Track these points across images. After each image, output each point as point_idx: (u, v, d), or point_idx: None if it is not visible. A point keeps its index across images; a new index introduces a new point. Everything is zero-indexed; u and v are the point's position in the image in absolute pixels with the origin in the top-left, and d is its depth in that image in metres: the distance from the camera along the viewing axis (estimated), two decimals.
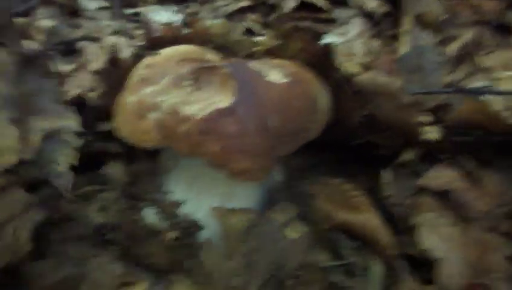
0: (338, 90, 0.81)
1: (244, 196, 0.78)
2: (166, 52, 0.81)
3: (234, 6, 1.50)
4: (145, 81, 0.74)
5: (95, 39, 1.34)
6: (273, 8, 1.52)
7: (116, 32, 1.39)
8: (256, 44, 0.89)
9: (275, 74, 0.72)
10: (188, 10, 1.54)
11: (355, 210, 0.80)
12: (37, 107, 0.75)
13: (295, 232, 0.70)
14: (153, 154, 0.86)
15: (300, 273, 0.69)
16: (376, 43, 1.37)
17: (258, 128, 0.65)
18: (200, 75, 0.72)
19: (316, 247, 0.75)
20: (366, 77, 0.81)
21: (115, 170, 0.87)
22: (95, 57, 1.20)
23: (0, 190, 0.65)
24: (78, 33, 1.41)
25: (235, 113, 0.65)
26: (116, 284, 0.68)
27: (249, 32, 1.35)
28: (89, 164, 0.89)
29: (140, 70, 0.78)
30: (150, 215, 0.74)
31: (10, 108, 0.70)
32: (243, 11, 1.50)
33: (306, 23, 1.25)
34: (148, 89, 0.73)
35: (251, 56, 0.84)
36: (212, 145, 0.65)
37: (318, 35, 0.77)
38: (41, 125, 0.73)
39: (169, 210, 0.73)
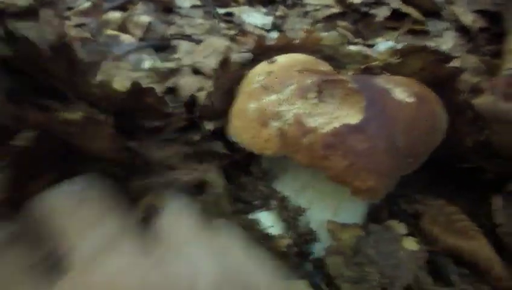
0: (456, 112, 0.79)
1: (351, 211, 0.78)
2: (284, 60, 0.82)
3: (325, 12, 1.50)
4: (267, 89, 0.75)
5: (189, 37, 1.39)
6: (364, 15, 1.50)
7: (209, 31, 1.42)
8: (367, 58, 0.88)
9: (401, 92, 0.71)
10: (277, 13, 1.55)
11: (465, 236, 0.78)
12: None
13: (414, 244, 0.69)
14: (255, 159, 0.88)
15: None
16: (473, 60, 1.33)
17: (387, 147, 0.65)
18: (324, 87, 0.72)
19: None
20: (485, 102, 0.78)
21: (212, 172, 0.89)
22: (192, 56, 1.24)
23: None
24: (172, 30, 1.45)
25: (365, 130, 0.65)
26: None
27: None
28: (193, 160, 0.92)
29: (260, 77, 0.79)
30: (265, 219, 0.75)
31: None
32: (333, 17, 1.49)
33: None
34: (271, 97, 0.74)
35: (367, 70, 0.83)
36: (339, 161, 0.65)
37: (443, 57, 0.75)
38: None
39: (291, 215, 0.73)
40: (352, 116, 0.67)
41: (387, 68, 0.82)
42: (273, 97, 0.74)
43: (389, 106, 0.68)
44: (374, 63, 0.82)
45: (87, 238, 0.49)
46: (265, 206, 0.77)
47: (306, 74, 0.75)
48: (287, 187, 0.79)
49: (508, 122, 0.77)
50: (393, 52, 0.81)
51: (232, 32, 1.41)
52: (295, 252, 0.71)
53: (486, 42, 1.40)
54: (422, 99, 0.72)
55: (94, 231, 0.50)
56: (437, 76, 0.77)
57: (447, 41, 1.41)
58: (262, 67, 0.82)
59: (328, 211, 0.76)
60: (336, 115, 0.69)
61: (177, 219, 0.54)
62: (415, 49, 0.77)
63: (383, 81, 0.74)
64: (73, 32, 1.29)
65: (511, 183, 0.85)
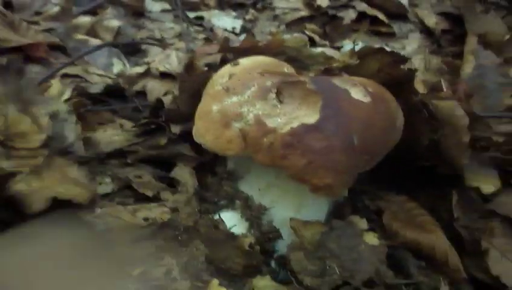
0: (412, 112, 0.82)
1: (314, 208, 0.80)
2: (247, 62, 0.84)
3: (293, 15, 1.53)
4: (229, 90, 0.77)
5: (159, 41, 1.39)
6: (331, 18, 1.53)
7: (179, 35, 1.43)
8: (329, 59, 0.91)
9: (357, 92, 0.74)
10: (247, 16, 1.58)
11: (423, 230, 0.81)
12: (29, 100, 0.88)
13: (374, 239, 0.71)
14: (220, 159, 0.89)
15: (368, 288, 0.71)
16: (436, 60, 1.37)
17: (343, 145, 0.67)
18: (284, 88, 0.74)
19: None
20: (446, 106, 0.82)
21: (185, 172, 0.91)
22: (162, 60, 1.24)
23: (48, 158, 0.77)
24: (142, 34, 1.46)
25: (322, 129, 0.67)
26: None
27: (311, 41, 1.37)
28: (160, 164, 0.93)
29: (223, 79, 0.80)
30: (229, 219, 0.77)
31: (13, 103, 0.84)
32: (301, 20, 1.52)
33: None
34: (233, 99, 0.75)
35: (328, 72, 0.85)
36: (297, 159, 0.67)
37: (400, 59, 0.78)
38: (42, 111, 0.86)
39: (254, 214, 0.75)
40: (309, 116, 0.69)
41: (347, 69, 0.85)
42: (235, 99, 0.75)
43: (346, 106, 0.71)
44: (334, 65, 0.84)
45: None
46: (229, 206, 0.79)
47: (267, 76, 0.77)
48: (251, 187, 0.80)
49: (458, 126, 0.80)
50: (352, 53, 0.83)
51: (202, 35, 1.43)
52: (259, 250, 0.73)
53: (449, 43, 1.45)
54: (378, 99, 0.75)
55: None
56: (394, 77, 0.80)
57: (411, 43, 1.46)
58: (225, 69, 0.84)
59: (291, 209, 0.77)
60: (294, 115, 0.71)
61: None
62: (373, 51, 0.80)
63: (341, 81, 0.76)
64: (41, 37, 1.28)
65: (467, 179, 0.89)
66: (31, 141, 0.79)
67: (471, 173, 0.86)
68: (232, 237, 0.74)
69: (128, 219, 0.83)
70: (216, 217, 0.77)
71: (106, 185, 0.90)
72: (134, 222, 0.81)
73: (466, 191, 0.88)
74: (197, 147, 0.87)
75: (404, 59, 0.78)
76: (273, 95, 0.73)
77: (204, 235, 0.75)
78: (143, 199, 0.88)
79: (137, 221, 0.82)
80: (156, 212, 0.84)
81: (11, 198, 0.64)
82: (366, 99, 0.73)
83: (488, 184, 0.84)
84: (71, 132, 0.88)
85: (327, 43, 1.39)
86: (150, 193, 0.88)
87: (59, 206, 0.68)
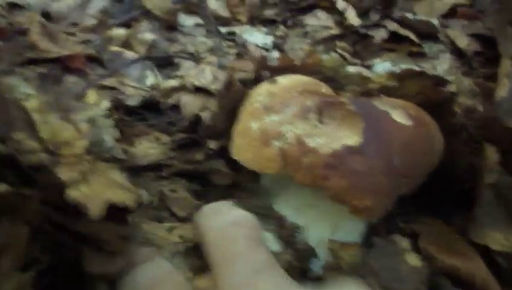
0: (451, 134, 0.82)
1: (349, 230, 0.79)
2: (285, 81, 0.85)
3: (324, 33, 1.54)
4: (269, 109, 0.78)
5: (192, 55, 1.42)
6: (362, 37, 1.54)
7: (211, 50, 1.45)
8: (366, 80, 0.91)
9: (398, 114, 0.74)
10: (277, 33, 1.59)
11: (461, 256, 0.80)
12: (67, 107, 0.87)
13: (416, 260, 0.71)
14: (255, 177, 0.90)
15: None
16: (467, 82, 1.36)
17: (385, 168, 0.67)
18: (324, 108, 0.75)
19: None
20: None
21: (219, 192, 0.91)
22: (197, 75, 1.26)
23: (92, 163, 0.76)
24: (175, 48, 1.48)
25: (364, 151, 0.67)
26: None
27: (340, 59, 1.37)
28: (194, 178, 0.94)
29: (262, 97, 0.81)
30: (265, 237, 0.77)
31: (54, 110, 0.83)
32: (332, 38, 1.53)
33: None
34: (273, 117, 0.76)
35: (365, 93, 0.86)
36: (338, 181, 0.67)
37: (440, 82, 0.78)
38: (79, 117, 0.86)
39: (287, 233, 0.75)
40: (351, 137, 0.70)
41: (385, 91, 0.85)
42: (275, 117, 0.76)
43: (387, 128, 0.71)
44: (372, 86, 0.85)
45: None
46: (262, 223, 0.79)
47: (306, 95, 0.78)
48: (286, 205, 0.80)
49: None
50: (391, 75, 0.84)
51: (234, 50, 1.44)
52: (295, 269, 0.73)
53: (481, 65, 1.44)
54: (418, 122, 0.74)
55: None
56: (433, 100, 0.80)
57: (442, 63, 1.45)
58: (264, 87, 0.85)
59: (327, 230, 0.77)
60: (335, 136, 0.71)
61: None
62: (413, 73, 0.80)
63: (381, 103, 0.76)
64: (79, 49, 1.32)
65: None
66: (76, 148, 0.81)
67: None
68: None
69: (163, 236, 0.84)
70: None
71: (141, 198, 0.91)
72: (170, 239, 0.82)
73: None
74: (233, 164, 0.87)
75: (445, 82, 0.77)
76: (314, 115, 0.74)
77: None
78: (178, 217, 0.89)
79: (172, 238, 0.83)
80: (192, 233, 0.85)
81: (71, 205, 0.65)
82: (407, 122, 0.73)
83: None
84: (109, 136, 0.90)
85: (358, 61, 1.39)
86: (183, 213, 0.89)
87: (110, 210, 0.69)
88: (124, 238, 0.72)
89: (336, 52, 1.39)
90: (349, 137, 0.70)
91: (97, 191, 0.67)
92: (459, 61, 1.48)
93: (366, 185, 0.67)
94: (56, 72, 1.20)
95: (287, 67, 0.95)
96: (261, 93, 0.84)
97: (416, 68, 0.80)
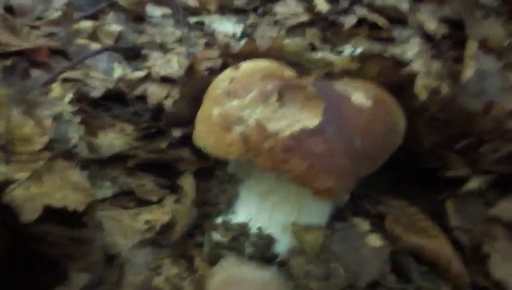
0: (414, 115, 0.82)
1: (315, 213, 0.79)
2: (248, 66, 0.84)
3: (294, 21, 1.53)
4: (230, 94, 0.77)
5: (159, 46, 1.39)
6: (332, 23, 1.54)
7: (180, 40, 1.43)
8: (330, 64, 0.91)
9: (359, 96, 0.74)
10: (248, 22, 1.58)
11: (426, 235, 0.81)
12: (33, 102, 0.88)
13: (377, 241, 0.71)
14: (221, 164, 0.89)
15: None
16: (436, 65, 1.37)
17: (345, 149, 0.67)
18: (285, 92, 0.74)
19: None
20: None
21: (188, 181, 0.91)
22: (163, 65, 1.25)
23: (49, 161, 0.76)
24: (143, 39, 1.46)
25: (323, 133, 0.67)
26: None
27: (311, 47, 1.37)
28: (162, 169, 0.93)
29: (224, 83, 0.80)
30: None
31: (17, 104, 0.83)
32: (302, 25, 1.52)
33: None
34: (234, 102, 0.75)
35: (328, 76, 0.85)
36: (298, 163, 0.67)
37: (399, 62, 0.78)
38: (45, 113, 0.86)
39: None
40: (310, 119, 0.69)
41: (347, 73, 0.85)
42: (236, 102, 0.75)
43: (347, 109, 0.71)
44: (334, 69, 0.84)
45: None
46: (229, 209, 0.79)
47: (268, 80, 0.77)
48: (252, 191, 0.80)
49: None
50: (352, 58, 0.83)
51: (203, 40, 1.43)
52: (259, 256, 0.73)
53: (449, 48, 1.45)
54: (379, 103, 0.74)
55: None
56: (394, 80, 0.80)
57: (412, 48, 1.46)
58: (226, 73, 0.84)
59: (292, 213, 0.77)
60: (295, 119, 0.71)
61: None
62: (372, 55, 0.80)
63: (342, 85, 0.76)
64: (42, 42, 1.28)
65: (468, 183, 0.88)
66: (34, 144, 0.79)
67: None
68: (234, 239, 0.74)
69: (129, 223, 0.83)
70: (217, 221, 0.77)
71: (106, 190, 0.90)
72: (135, 226, 0.81)
73: (467, 196, 0.87)
74: (198, 152, 0.86)
75: (404, 63, 0.78)
76: (274, 99, 0.73)
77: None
78: (145, 203, 0.88)
79: (138, 225, 0.82)
80: (157, 214, 0.84)
81: (6, 206, 0.63)
82: (367, 103, 0.73)
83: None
84: (75, 133, 0.88)
85: (328, 48, 1.39)
86: (154, 198, 0.88)
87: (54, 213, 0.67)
88: (77, 240, 0.71)
89: (306, 39, 1.39)
90: (308, 119, 0.70)
91: (46, 191, 0.66)
92: (428, 45, 1.49)
93: (326, 166, 0.67)
94: (22, 66, 1.17)
95: (250, 54, 0.94)
96: (223, 79, 0.83)
97: (376, 50, 0.79)
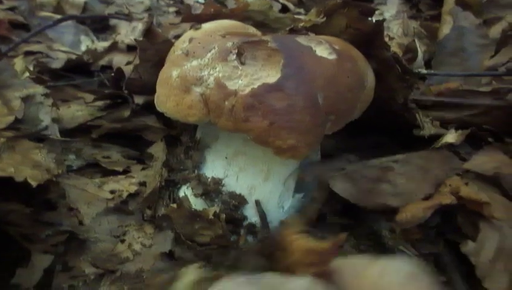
0: (384, 69, 0.79)
1: (281, 174, 0.77)
2: (209, 26, 0.80)
3: None
4: (189, 55, 0.73)
5: (128, 16, 1.34)
6: None
7: (149, 9, 1.38)
8: (297, 21, 0.87)
9: (323, 49, 0.70)
10: None
11: None
12: (4, 83, 0.85)
13: None
14: (188, 129, 0.86)
15: None
16: (414, 24, 1.34)
17: (306, 104, 0.64)
18: (246, 49, 0.70)
19: None
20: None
21: (159, 148, 0.87)
22: (128, 33, 1.20)
23: (12, 140, 0.74)
24: (111, 9, 1.41)
25: (283, 88, 0.64)
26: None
27: (284, 9, 1.32)
28: (127, 137, 0.90)
29: (183, 44, 0.77)
30: (189, 195, 0.74)
31: None
32: None
33: None
34: (193, 63, 0.71)
35: (294, 32, 0.82)
36: (259, 121, 0.64)
37: (366, 11, 0.74)
38: (15, 94, 0.83)
39: (210, 188, 0.72)
40: (271, 76, 0.66)
41: (315, 29, 0.81)
42: (195, 62, 0.71)
43: (309, 64, 0.67)
44: (300, 24, 0.81)
45: None
46: (189, 181, 0.76)
47: (228, 38, 0.73)
48: (219, 155, 0.77)
49: None
50: (319, 11, 0.79)
51: (173, 9, 1.38)
52: (224, 219, 0.70)
53: (428, 8, 1.41)
54: (344, 56, 0.71)
55: None
56: (362, 32, 0.77)
57: (390, 9, 1.42)
58: (186, 34, 0.80)
59: (259, 176, 0.75)
60: (256, 76, 0.67)
61: None
62: (339, 5, 0.76)
63: (305, 40, 0.72)
64: (2, 15, 1.23)
65: (442, 138, 0.86)
66: None
67: None
68: (196, 212, 0.71)
69: (94, 192, 0.79)
70: (180, 194, 0.75)
71: (71, 162, 0.86)
72: (100, 195, 0.78)
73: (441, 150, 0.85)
74: (165, 119, 0.83)
75: (371, 10, 0.74)
76: (234, 56, 0.70)
77: (170, 213, 0.72)
78: (111, 174, 0.85)
79: (103, 194, 0.79)
80: (124, 184, 0.81)
81: None
82: (331, 56, 0.70)
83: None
84: (46, 115, 0.85)
85: (302, 11, 1.34)
86: (119, 168, 0.85)
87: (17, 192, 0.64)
88: (42, 222, 0.68)
89: (279, 2, 1.34)
90: (269, 76, 0.66)
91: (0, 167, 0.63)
92: (406, 5, 1.45)
93: (287, 123, 0.63)
94: None
95: (214, 16, 0.90)
96: (183, 40, 0.79)
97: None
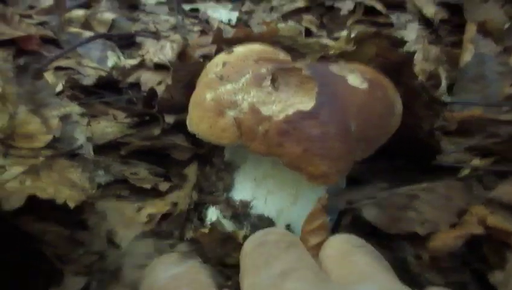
0: (411, 97, 0.80)
1: (309, 198, 0.78)
2: (241, 50, 0.82)
3: (290, 7, 1.51)
4: (223, 78, 0.75)
5: (154, 34, 1.37)
6: (329, 9, 1.51)
7: (174, 28, 1.41)
8: (325, 47, 0.89)
9: (354, 78, 0.72)
10: (243, 8, 1.56)
11: None
12: (42, 102, 0.88)
13: None
14: (218, 150, 0.87)
15: None
16: (435, 50, 1.35)
17: (339, 132, 0.65)
18: (279, 75, 0.72)
19: None
20: None
21: (190, 169, 0.89)
22: (156, 51, 1.23)
23: (50, 159, 0.76)
24: (137, 27, 1.44)
25: (317, 116, 0.65)
26: None
27: (307, 32, 1.35)
28: (155, 154, 0.92)
29: (216, 67, 0.79)
30: (217, 216, 0.76)
31: (25, 103, 0.84)
32: (299, 11, 1.50)
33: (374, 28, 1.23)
34: (227, 87, 0.73)
35: (324, 59, 0.84)
36: (292, 147, 0.65)
37: (396, 42, 0.76)
38: (53, 113, 0.86)
39: (238, 210, 0.73)
40: (305, 103, 0.68)
41: (344, 56, 0.83)
42: (229, 86, 0.73)
43: (342, 92, 0.69)
44: (330, 52, 0.83)
45: None
46: (218, 203, 0.77)
47: (261, 63, 0.75)
48: (248, 177, 0.79)
49: None
50: (349, 39, 0.82)
51: (198, 28, 1.41)
52: None
53: (448, 33, 1.43)
54: (375, 85, 0.73)
55: None
56: (391, 61, 0.78)
57: (410, 33, 1.44)
58: (219, 57, 0.82)
59: (287, 199, 0.76)
60: (290, 103, 0.69)
61: None
62: (368, 35, 0.78)
63: (337, 68, 0.74)
64: (33, 31, 1.26)
65: (467, 166, 0.87)
66: (36, 141, 0.78)
67: None
68: (227, 234, 0.72)
69: (132, 216, 0.81)
70: (209, 216, 0.76)
71: (99, 178, 0.88)
72: (138, 219, 0.80)
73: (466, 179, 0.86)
74: (194, 138, 0.85)
75: (402, 42, 0.76)
76: (268, 82, 0.72)
77: (200, 237, 0.73)
78: (139, 191, 0.86)
79: (140, 219, 0.80)
80: (160, 207, 0.83)
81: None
82: (363, 85, 0.72)
83: None
84: (81, 133, 0.87)
85: (324, 34, 1.37)
86: (147, 185, 0.87)
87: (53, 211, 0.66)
88: (75, 242, 0.70)
89: (301, 25, 1.37)
90: (303, 102, 0.68)
91: (40, 186, 0.64)
92: (426, 30, 1.47)
93: (320, 150, 0.65)
94: (36, 64, 1.14)
95: (244, 39, 0.92)
96: (216, 63, 0.81)
97: (371, 29, 0.77)
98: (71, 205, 0.63)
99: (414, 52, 0.77)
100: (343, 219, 0.78)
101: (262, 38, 0.92)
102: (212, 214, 0.77)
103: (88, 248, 0.70)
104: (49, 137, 0.76)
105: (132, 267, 0.72)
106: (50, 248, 0.65)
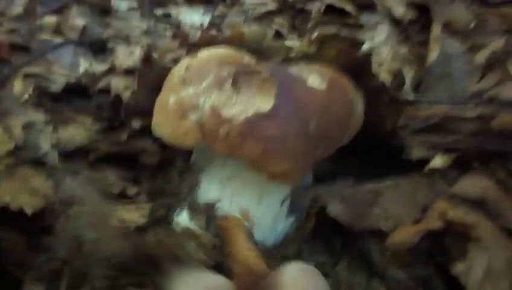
0: (373, 96, 0.82)
1: (274, 198, 0.79)
2: (205, 54, 0.83)
3: (261, 10, 1.52)
4: (186, 82, 0.76)
5: (125, 39, 1.37)
6: (300, 11, 1.53)
7: (145, 33, 1.41)
8: (290, 49, 0.90)
9: (313, 78, 0.74)
10: (216, 12, 1.56)
11: None
12: (6, 110, 0.89)
13: None
14: (185, 152, 0.88)
15: None
16: (403, 50, 1.37)
17: (298, 132, 0.67)
18: (240, 78, 0.74)
19: None
20: None
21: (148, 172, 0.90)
22: (126, 57, 1.23)
23: (12, 167, 0.77)
24: (109, 33, 1.44)
25: (276, 116, 0.67)
26: None
27: (278, 35, 1.36)
28: (124, 159, 0.92)
29: (180, 71, 0.80)
30: (185, 218, 0.76)
31: None
32: (270, 14, 1.51)
33: (335, 29, 1.24)
34: (189, 90, 0.74)
35: (286, 61, 0.85)
36: (253, 148, 0.67)
37: (355, 43, 0.78)
38: (16, 121, 0.87)
39: (205, 211, 0.74)
40: (264, 104, 0.69)
41: (306, 58, 0.84)
42: (191, 90, 0.74)
43: (301, 92, 0.71)
44: (292, 54, 0.84)
45: None
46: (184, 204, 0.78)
47: (223, 66, 0.76)
48: (213, 179, 0.80)
49: None
50: (310, 42, 0.83)
51: (170, 33, 1.41)
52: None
53: (416, 33, 1.46)
54: (334, 85, 0.74)
55: None
56: (352, 62, 0.80)
57: (379, 34, 1.45)
58: (183, 62, 0.83)
59: (252, 199, 0.77)
60: (250, 104, 0.70)
61: None
62: (328, 37, 0.80)
63: (297, 69, 0.76)
64: (3, 38, 1.25)
65: (431, 162, 0.89)
66: None
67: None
68: (192, 235, 0.73)
69: (101, 220, 0.80)
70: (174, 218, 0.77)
71: (66, 184, 0.88)
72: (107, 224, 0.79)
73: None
74: (160, 142, 0.85)
75: (359, 43, 0.78)
76: (229, 85, 0.73)
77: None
78: (108, 196, 0.86)
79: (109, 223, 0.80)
80: (128, 211, 0.83)
81: None
82: (322, 86, 0.73)
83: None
84: (46, 141, 0.88)
85: (295, 36, 1.38)
86: (115, 191, 0.86)
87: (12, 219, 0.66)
88: (36, 249, 0.69)
89: (272, 27, 1.38)
90: (262, 104, 0.69)
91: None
92: (396, 30, 1.49)
93: (279, 149, 0.67)
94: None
95: (209, 43, 0.93)
96: (179, 67, 0.82)
97: (331, 31, 0.79)
98: (28, 211, 0.63)
99: (370, 54, 0.79)
100: (308, 217, 0.80)
101: (228, 41, 0.93)
102: (178, 216, 0.78)
103: (53, 254, 0.70)
104: (11, 145, 0.75)
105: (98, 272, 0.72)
106: (9, 256, 0.65)
